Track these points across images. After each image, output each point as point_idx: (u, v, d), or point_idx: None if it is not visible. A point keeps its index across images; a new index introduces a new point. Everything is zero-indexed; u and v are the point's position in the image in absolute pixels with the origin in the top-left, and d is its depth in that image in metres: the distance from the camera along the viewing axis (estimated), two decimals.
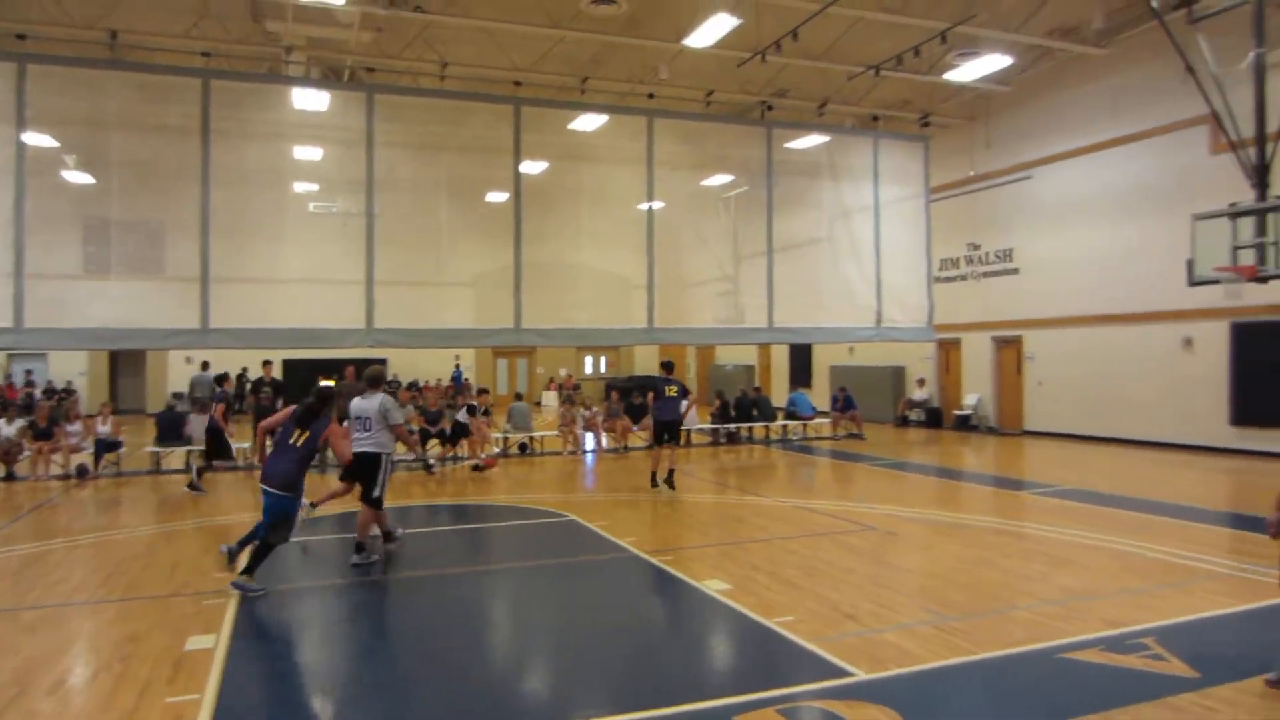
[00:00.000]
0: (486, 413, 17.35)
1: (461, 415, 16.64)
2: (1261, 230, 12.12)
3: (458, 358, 34.18)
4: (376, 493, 8.24)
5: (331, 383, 8.20)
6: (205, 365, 22.28)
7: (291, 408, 7.79)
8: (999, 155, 20.75)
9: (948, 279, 21.97)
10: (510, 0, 14.94)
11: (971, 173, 21.43)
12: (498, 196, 16.08)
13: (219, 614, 6.66)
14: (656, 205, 16.85)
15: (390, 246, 14.95)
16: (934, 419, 22.37)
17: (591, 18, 15.37)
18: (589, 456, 17.65)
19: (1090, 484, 12.72)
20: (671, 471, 12.64)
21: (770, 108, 19.66)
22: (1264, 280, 12.39)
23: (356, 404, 8.44)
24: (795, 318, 17.88)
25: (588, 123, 16.69)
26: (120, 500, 12.76)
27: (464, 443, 16.57)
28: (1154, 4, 12.74)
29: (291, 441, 7.41)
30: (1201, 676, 5.21)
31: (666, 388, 12.87)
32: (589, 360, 38.06)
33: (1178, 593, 7.03)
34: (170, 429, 15.83)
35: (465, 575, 8.29)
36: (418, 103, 15.78)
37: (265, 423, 7.84)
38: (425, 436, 16.89)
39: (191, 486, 12.98)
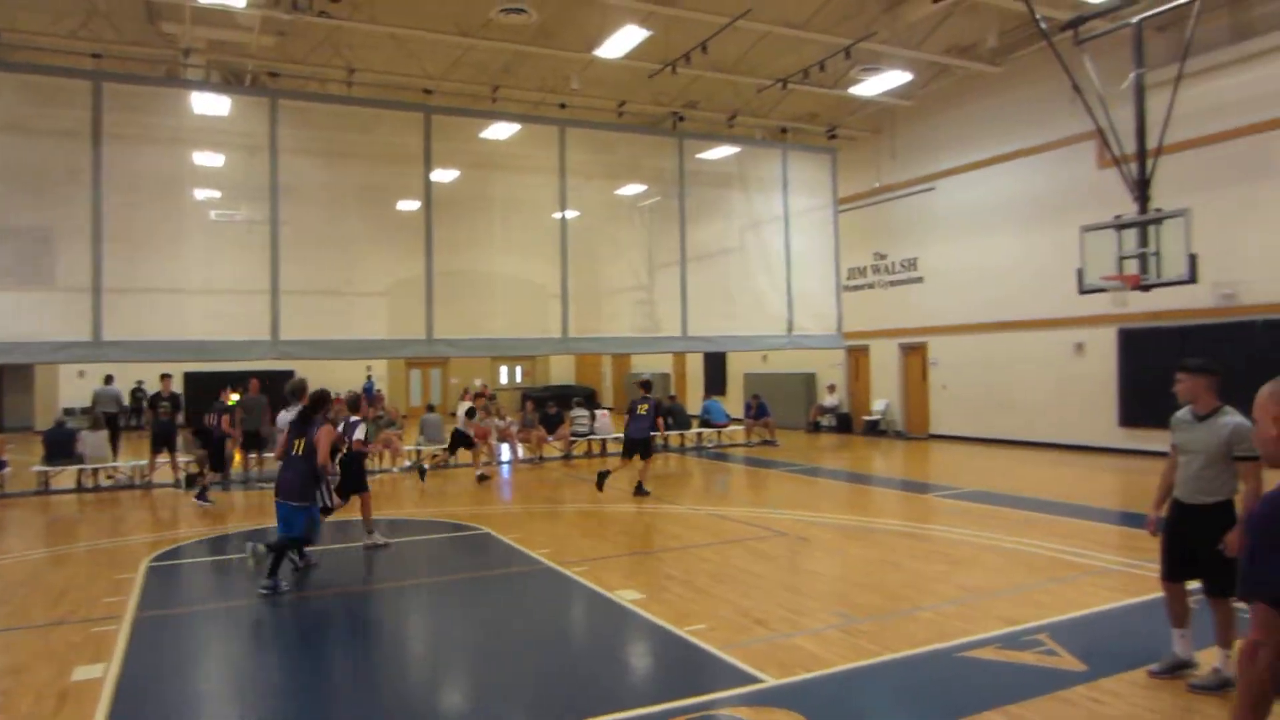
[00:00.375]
0: (393, 424, 17.05)
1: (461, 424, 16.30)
2: (1144, 241, 12.82)
3: (369, 369, 33.48)
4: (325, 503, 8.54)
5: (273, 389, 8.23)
6: (109, 379, 21.25)
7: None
8: (903, 167, 21.40)
9: (856, 287, 22.54)
10: (419, 7, 14.74)
11: (877, 184, 22.06)
12: (409, 205, 15.83)
13: (109, 642, 6.36)
14: (570, 214, 16.84)
15: (297, 256, 14.54)
16: (844, 424, 22.90)
17: (502, 26, 15.29)
18: (504, 468, 17.49)
19: (990, 485, 13.18)
20: (640, 483, 13.13)
21: (682, 119, 19.85)
22: (1146, 289, 13.11)
23: (283, 417, 8.45)
24: (709, 326, 18.06)
25: (500, 131, 16.59)
26: (4, 523, 12.09)
27: (385, 452, 16.29)
28: (1042, 25, 13.33)
29: (293, 452, 7.67)
30: (1090, 669, 5.45)
31: (639, 405, 13.30)
32: (504, 370, 37.75)
33: (1069, 588, 7.34)
34: (59, 447, 15.08)
35: (374, 593, 8.11)
36: (325, 109, 15.41)
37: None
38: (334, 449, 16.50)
39: (200, 497, 13.13)
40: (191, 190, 14.62)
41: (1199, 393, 5.31)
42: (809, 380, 24.45)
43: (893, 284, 21.92)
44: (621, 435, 19.99)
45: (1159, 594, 5.50)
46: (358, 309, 15.27)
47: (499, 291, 16.53)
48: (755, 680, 5.38)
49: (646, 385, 13.99)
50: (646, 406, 13.29)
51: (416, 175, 15.44)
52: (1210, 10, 13.96)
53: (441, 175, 15.98)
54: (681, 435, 20.48)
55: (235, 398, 15.27)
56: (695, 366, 29.55)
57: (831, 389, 23.42)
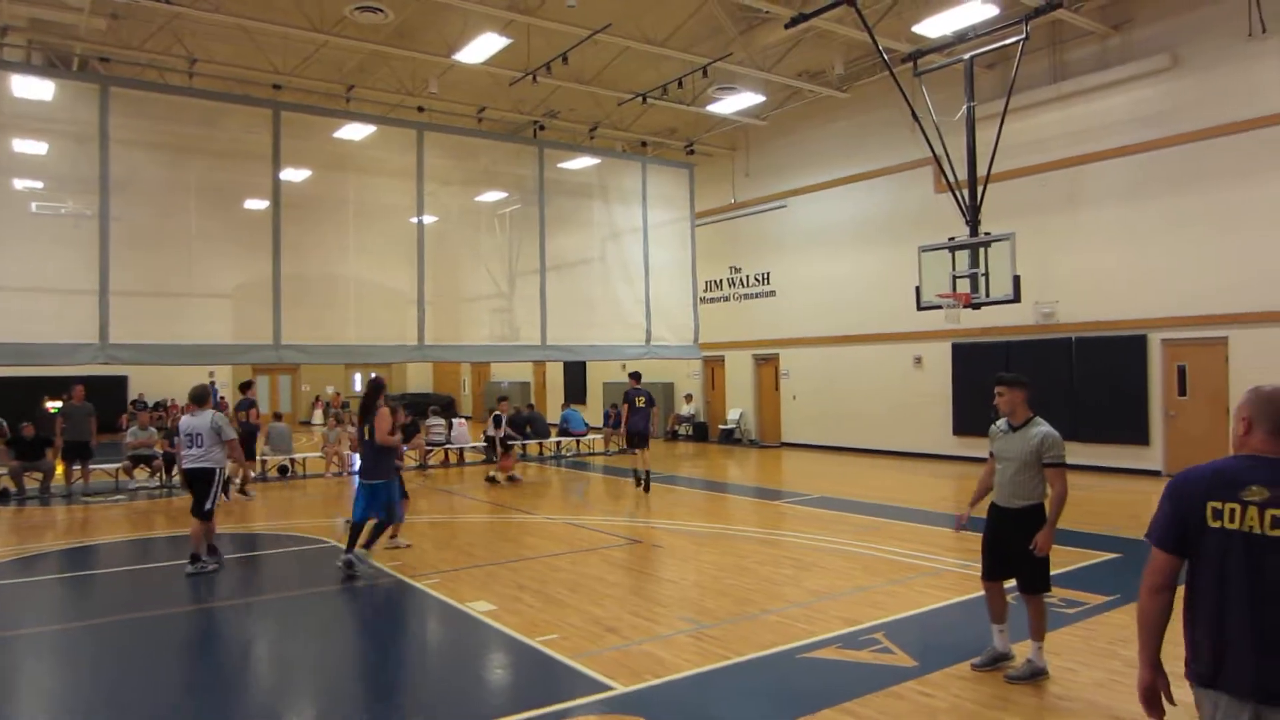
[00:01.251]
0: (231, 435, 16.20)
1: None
2: (975, 262, 13.69)
3: (211, 374, 31.73)
4: (208, 505, 8.73)
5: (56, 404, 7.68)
6: None
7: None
8: (757, 184, 22.12)
9: (712, 300, 23.11)
10: None
11: (733, 200, 22.71)
12: (257, 204, 15.11)
13: None
14: (428, 219, 16.52)
15: (131, 254, 13.62)
16: (701, 433, 23.40)
17: (357, 25, 14.86)
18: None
19: (836, 492, 13.77)
20: (648, 472, 14.23)
21: (543, 127, 19.88)
22: (977, 306, 13.98)
23: (186, 421, 8.82)
24: (568, 335, 18.09)
25: (354, 132, 16.10)
26: None
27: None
28: (885, 56, 14.08)
29: (365, 439, 8.68)
30: (920, 665, 5.78)
31: (636, 398, 14.47)
32: (358, 377, 36.56)
33: (905, 589, 7.76)
34: None
35: (213, 610, 7.69)
36: (164, 100, 14.51)
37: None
38: (170, 460, 15.57)
39: (241, 491, 13.77)
40: (9, 179, 13.50)
41: (1016, 405, 5.71)
42: (667, 390, 24.84)
43: (747, 297, 22.60)
44: (478, 444, 19.95)
45: (976, 593, 5.90)
46: (197, 311, 14.45)
47: (353, 296, 15.99)
48: (605, 688, 5.43)
49: (636, 376, 15.31)
50: (644, 399, 14.52)
51: (265, 174, 14.78)
52: (1032, 52, 15.11)
53: (292, 174, 15.36)
54: (540, 444, 20.40)
55: (55, 405, 14.18)
56: (555, 375, 29.52)
57: (689, 398, 23.89)
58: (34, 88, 13.36)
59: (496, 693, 5.77)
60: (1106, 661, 5.78)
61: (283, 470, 17.17)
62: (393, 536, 9.76)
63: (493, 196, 18.54)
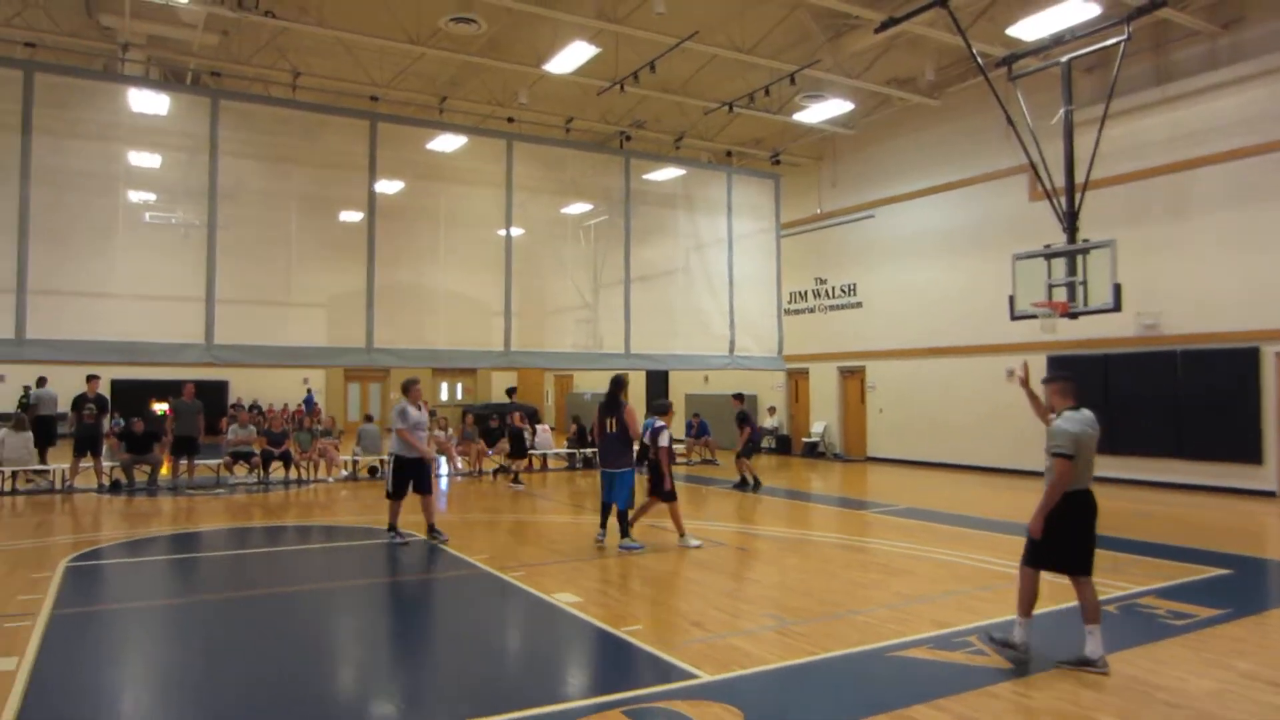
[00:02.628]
0: (328, 434, 16.77)
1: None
2: (1072, 270, 13.24)
3: (306, 381, 32.88)
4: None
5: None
6: (42, 380, 20.34)
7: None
8: (844, 194, 21.87)
9: (797, 311, 22.89)
10: (368, 13, 14.67)
11: (819, 210, 22.50)
12: (352, 216, 15.62)
13: (22, 636, 6.11)
14: (516, 231, 16.82)
15: (235, 262, 14.23)
16: (784, 446, 23.14)
17: (451, 36, 15.30)
18: (443, 480, 17.28)
19: (924, 503, 13.44)
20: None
21: (629, 138, 20.05)
22: (1074, 316, 13.49)
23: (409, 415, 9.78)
24: (652, 345, 18.15)
25: (446, 143, 16.53)
26: None
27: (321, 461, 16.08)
28: (979, 61, 13.80)
29: (610, 432, 9.57)
30: (1016, 668, 5.58)
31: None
32: (445, 386, 37.37)
33: (996, 595, 7.50)
34: None
35: (308, 593, 7.93)
36: (268, 112, 15.18)
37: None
38: (268, 458, 16.16)
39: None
40: (125, 190, 14.26)
41: (1053, 398, 5.94)
42: (750, 402, 24.65)
43: (832, 309, 22.32)
44: (561, 451, 20.17)
45: (1075, 603, 5.70)
46: (295, 318, 14.98)
47: (441, 305, 16.36)
48: (692, 676, 5.40)
49: (740, 398, 16.60)
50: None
51: (360, 184, 15.27)
52: (1134, 54, 14.62)
53: (386, 185, 15.85)
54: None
55: (162, 407, 14.86)
56: (638, 387, 29.60)
57: (772, 411, 23.66)
58: (151, 102, 14.10)
59: (585, 676, 5.80)
60: (1218, 672, 5.48)
61: (373, 470, 17.61)
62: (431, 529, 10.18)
63: (579, 208, 18.77)
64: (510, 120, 18.45)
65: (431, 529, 10.01)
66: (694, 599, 7.38)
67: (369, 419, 19.36)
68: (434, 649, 6.37)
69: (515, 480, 16.69)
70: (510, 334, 16.50)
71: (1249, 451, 14.13)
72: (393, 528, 10.06)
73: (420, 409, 9.98)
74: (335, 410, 31.38)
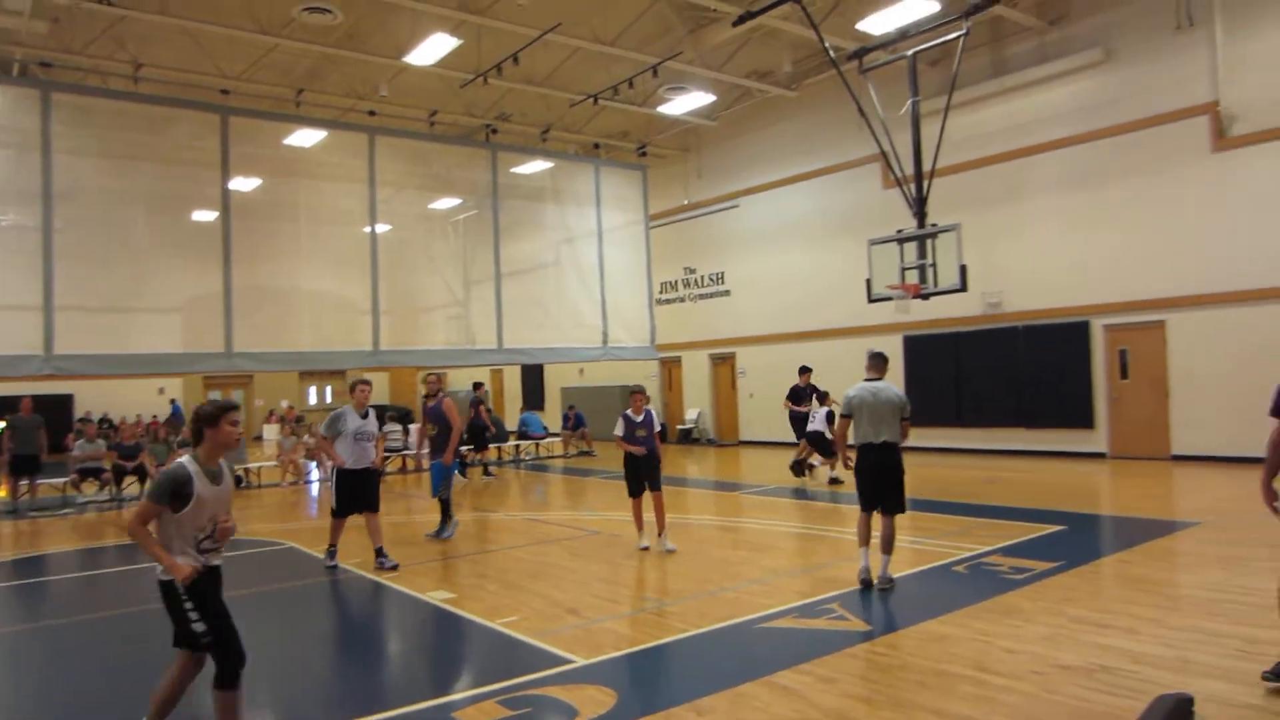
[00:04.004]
0: (186, 444, 15.96)
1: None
2: (923, 254, 13.96)
3: (162, 390, 31.23)
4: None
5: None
6: None
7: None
8: (710, 185, 22.34)
9: (667, 301, 23.26)
10: (214, 1, 14.01)
11: (686, 201, 22.91)
12: (206, 215, 14.90)
13: None
14: (382, 227, 16.45)
15: (76, 266, 13.35)
16: (659, 434, 23.44)
17: (306, 27, 14.81)
18: (313, 486, 16.78)
19: (791, 481, 13.92)
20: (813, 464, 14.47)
21: (495, 131, 19.91)
22: (926, 297, 14.24)
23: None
24: (525, 339, 18.12)
25: (305, 138, 15.98)
26: None
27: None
28: (831, 54, 14.35)
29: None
30: (873, 628, 5.93)
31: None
32: (313, 390, 36.16)
33: (854, 565, 7.88)
34: None
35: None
36: (107, 106, 14.27)
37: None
38: (119, 473, 15.29)
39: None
40: None
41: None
42: (623, 392, 24.87)
43: (702, 297, 22.79)
44: None
45: (932, 564, 6.09)
46: (147, 324, 14.23)
47: (305, 306, 15.83)
48: (566, 662, 5.49)
49: (806, 369, 15.54)
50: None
51: (213, 181, 14.61)
52: (973, 48, 15.49)
53: (241, 182, 15.22)
54: (499, 449, 20.36)
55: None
56: (513, 382, 29.45)
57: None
58: None
59: (459, 669, 5.80)
60: (1051, 618, 5.96)
61: (236, 480, 16.93)
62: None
63: (447, 203, 18.52)
64: (372, 114, 18.01)
65: (379, 553, 8.62)
66: (570, 588, 7.47)
67: None
68: (309, 655, 6.24)
69: (486, 472, 16.99)
70: (379, 333, 16.14)
71: (1083, 417, 15.28)
72: (332, 547, 8.82)
73: (366, 415, 8.79)
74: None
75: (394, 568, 8.43)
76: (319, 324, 15.81)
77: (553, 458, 20.51)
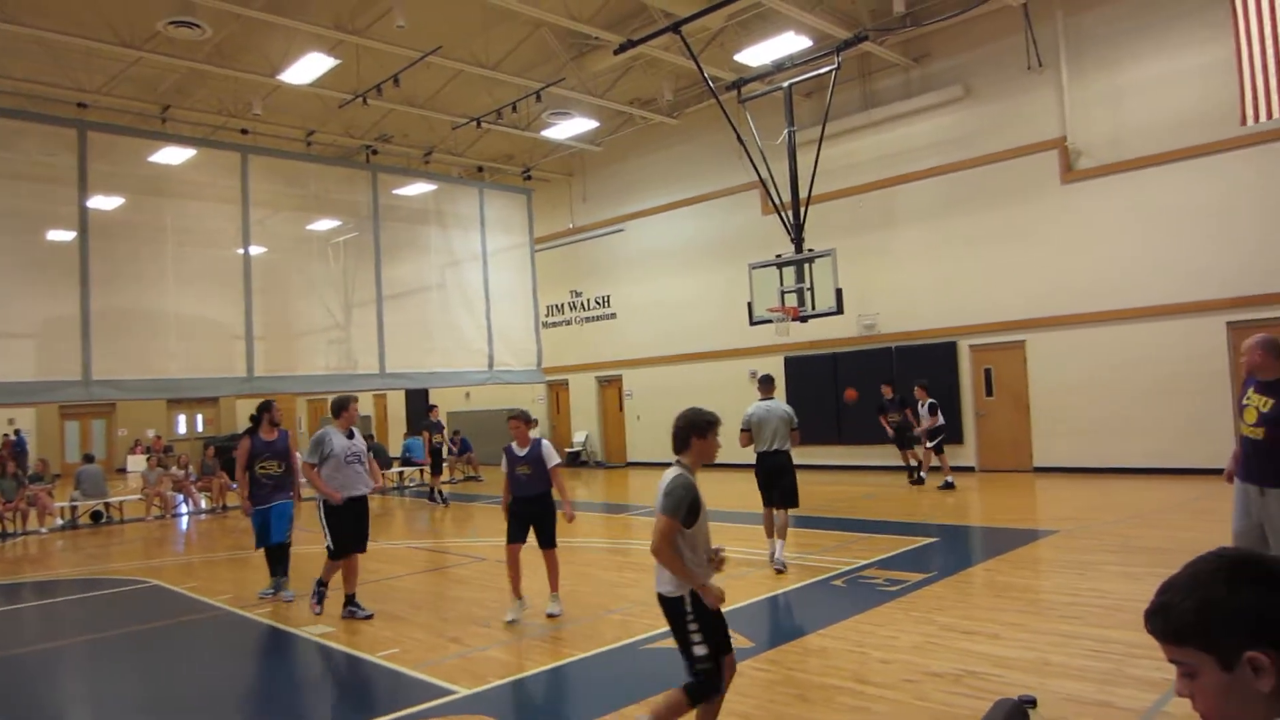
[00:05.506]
0: (39, 479, 15.02)
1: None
2: (801, 278, 14.44)
3: (12, 421, 29.12)
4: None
5: None
6: None
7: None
8: (595, 209, 22.51)
9: (554, 324, 23.23)
10: (69, 11, 13.26)
11: (571, 225, 22.99)
12: (63, 235, 14.03)
13: None
14: (257, 249, 15.86)
15: None
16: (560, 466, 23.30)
17: (172, 41, 14.20)
18: (182, 520, 15.94)
19: None
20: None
21: (375, 152, 19.54)
22: (804, 319, 14.73)
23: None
24: (409, 363, 17.73)
25: (172, 155, 15.27)
26: None
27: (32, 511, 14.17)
28: (710, 84, 14.74)
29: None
30: (756, 645, 6.04)
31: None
32: (182, 419, 34.41)
33: (743, 582, 8.04)
34: None
35: (20, 658, 7.07)
36: None
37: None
38: None
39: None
40: None
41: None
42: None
43: (588, 320, 22.86)
44: None
45: (813, 579, 6.24)
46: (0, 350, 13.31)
47: (172, 331, 15.08)
48: (448, 693, 5.38)
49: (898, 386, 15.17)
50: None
51: (70, 200, 13.81)
52: (845, 82, 16.18)
53: (102, 201, 14.43)
54: (383, 475, 19.85)
55: None
56: (397, 407, 28.79)
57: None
58: None
59: (336, 705, 5.61)
60: (923, 627, 6.21)
61: (96, 516, 15.94)
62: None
63: (326, 224, 18.02)
64: (244, 132, 17.41)
65: (350, 600, 7.55)
66: (453, 616, 7.34)
67: (88, 459, 17.44)
68: (185, 696, 5.91)
69: (435, 497, 16.51)
70: (253, 358, 15.52)
71: (952, 433, 15.99)
72: (322, 587, 7.63)
73: (352, 436, 7.73)
74: (51, 453, 28.01)
75: (368, 616, 7.35)
76: (189, 350, 15.07)
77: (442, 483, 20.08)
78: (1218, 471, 6.13)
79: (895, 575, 7.88)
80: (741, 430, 8.83)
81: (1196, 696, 1.39)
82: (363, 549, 7.68)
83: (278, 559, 8.59)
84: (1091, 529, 9.55)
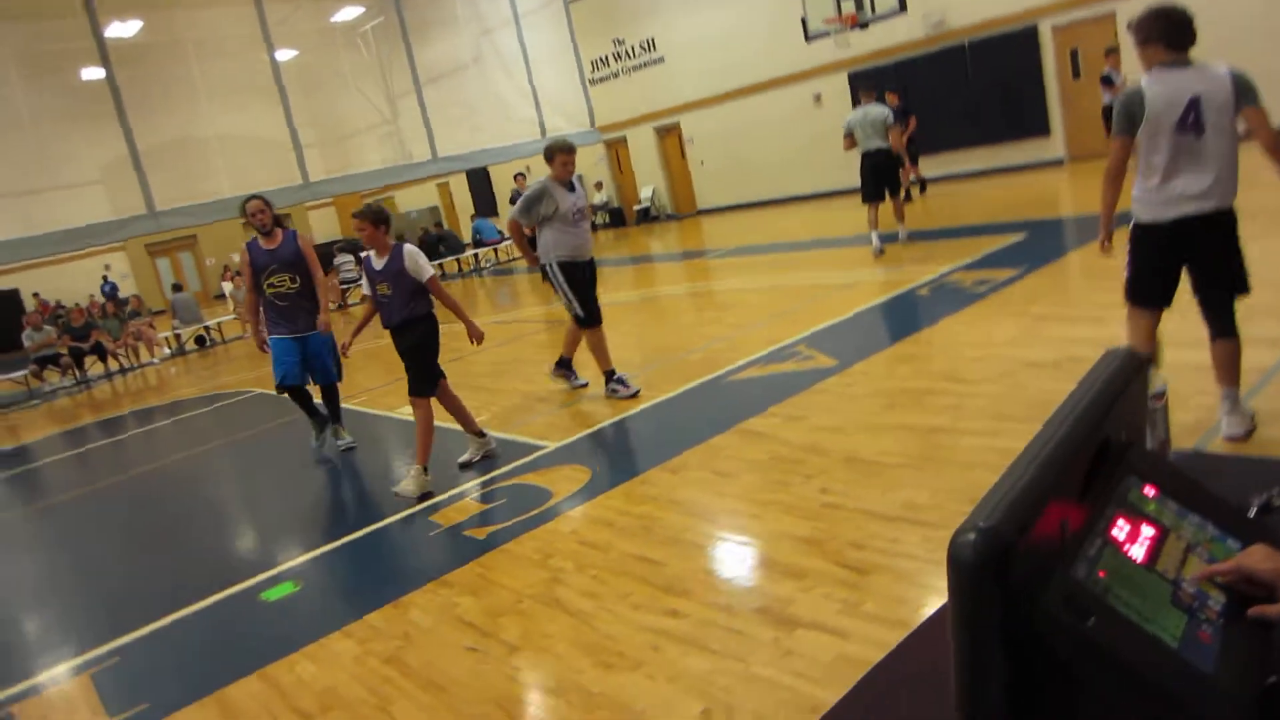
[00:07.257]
0: (137, 314, 15.63)
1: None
2: None
3: (108, 267, 30.25)
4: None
5: None
6: None
7: None
8: None
9: (602, 79, 22.04)
10: None
11: None
12: (95, 72, 13.55)
13: None
14: (286, 54, 15.17)
15: None
16: (618, 218, 23.01)
17: None
18: None
19: (752, 240, 13.71)
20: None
21: None
22: (864, 26, 13.50)
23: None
24: (460, 144, 17.24)
25: None
26: None
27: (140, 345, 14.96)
28: None
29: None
30: (839, 363, 5.87)
31: None
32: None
33: (819, 305, 7.80)
34: None
35: (159, 473, 7.54)
36: None
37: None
38: (78, 355, 14.97)
39: None
40: None
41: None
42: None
43: (636, 69, 21.59)
44: None
45: (893, 293, 5.94)
46: (66, 200, 13.46)
47: (220, 149, 14.93)
48: (538, 449, 5.46)
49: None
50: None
51: (87, 33, 13.24)
52: None
53: (119, 28, 13.86)
54: (457, 260, 20.03)
55: None
56: (462, 193, 28.54)
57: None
58: None
59: (434, 475, 5.78)
60: (1016, 320, 5.91)
61: (199, 340, 16.65)
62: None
63: (350, 13, 17.07)
64: None
65: (611, 375, 6.37)
66: (537, 378, 7.38)
67: (176, 288, 18.00)
68: (301, 482, 6.23)
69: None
70: (304, 164, 15.29)
71: (1038, 126, 14.88)
72: (566, 364, 6.76)
73: (573, 189, 6.38)
74: (150, 291, 29.17)
75: (633, 394, 6.19)
76: (239, 168, 14.94)
77: (513, 260, 20.15)
78: None
79: (984, 275, 7.50)
80: (844, 136, 9.75)
81: None
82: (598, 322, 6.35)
83: (322, 402, 6.72)
84: None
